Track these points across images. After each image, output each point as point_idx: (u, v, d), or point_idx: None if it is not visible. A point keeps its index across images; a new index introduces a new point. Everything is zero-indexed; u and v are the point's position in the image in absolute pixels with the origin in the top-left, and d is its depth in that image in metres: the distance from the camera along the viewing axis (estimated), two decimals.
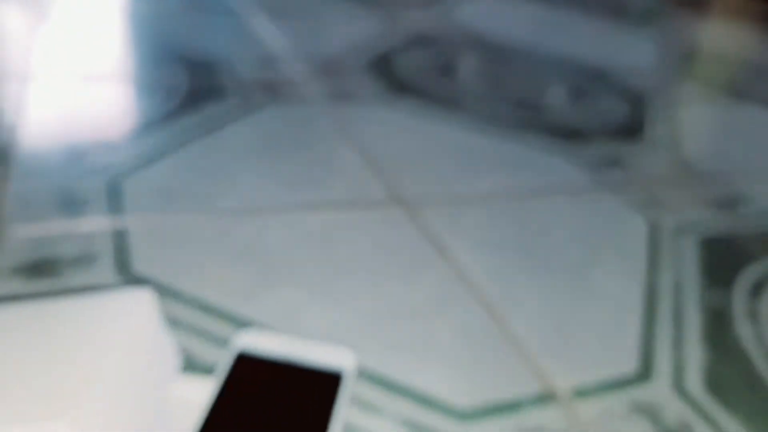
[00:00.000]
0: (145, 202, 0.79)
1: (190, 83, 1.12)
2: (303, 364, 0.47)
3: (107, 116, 0.98)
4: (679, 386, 0.62)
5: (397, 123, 1.08)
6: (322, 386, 0.46)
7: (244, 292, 0.66)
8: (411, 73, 1.28)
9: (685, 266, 0.80)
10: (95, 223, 0.74)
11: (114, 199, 0.79)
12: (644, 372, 0.63)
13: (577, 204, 0.91)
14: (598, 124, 1.16)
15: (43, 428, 0.34)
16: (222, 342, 0.60)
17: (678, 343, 0.67)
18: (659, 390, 0.61)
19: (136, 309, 0.43)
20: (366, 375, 0.58)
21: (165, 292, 0.65)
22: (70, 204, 0.77)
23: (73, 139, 0.91)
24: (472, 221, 0.83)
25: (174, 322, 0.61)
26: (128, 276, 0.67)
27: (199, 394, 0.45)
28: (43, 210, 0.75)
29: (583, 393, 0.59)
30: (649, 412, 0.58)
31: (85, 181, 0.81)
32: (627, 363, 0.64)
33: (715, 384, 0.63)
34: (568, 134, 1.11)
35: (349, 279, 0.70)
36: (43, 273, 0.65)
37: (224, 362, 0.47)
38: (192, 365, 0.56)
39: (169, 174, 0.85)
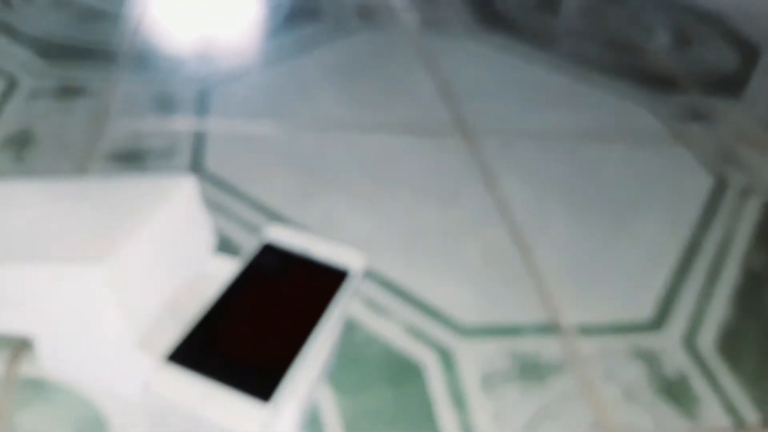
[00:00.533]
0: (228, 110, 0.88)
1: (291, 4, 1.18)
2: (317, 260, 0.54)
3: (209, 30, 1.07)
4: (688, 340, 0.63)
5: (482, 56, 1.09)
6: (328, 280, 0.53)
7: (295, 198, 0.74)
8: (509, 7, 1.27)
9: (740, 226, 0.78)
10: (181, 124, 0.83)
11: (202, 104, 0.88)
12: (657, 321, 0.64)
13: (642, 152, 0.89)
14: (696, 73, 1.11)
15: (84, 267, 0.43)
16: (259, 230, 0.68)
17: (704, 298, 0.67)
18: (667, 340, 0.63)
19: (179, 191, 0.51)
20: (383, 281, 0.64)
21: (226, 188, 0.74)
22: (165, 105, 0.87)
23: (177, 48, 1.01)
24: (528, 156, 0.85)
25: (227, 214, 0.70)
26: (199, 171, 0.76)
27: (226, 272, 0.53)
28: (142, 107, 0.86)
29: (587, 330, 0.62)
30: (648, 358, 0.61)
31: (181, 87, 0.91)
32: (642, 310, 0.65)
33: (728, 344, 0.63)
34: (658, 81, 1.07)
35: (393, 195, 0.76)
36: (132, 161, 0.76)
37: (251, 249, 0.54)
38: (234, 251, 0.65)
39: (254, 87, 0.93)
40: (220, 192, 0.73)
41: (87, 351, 0.50)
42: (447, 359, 0.58)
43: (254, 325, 0.48)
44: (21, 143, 0.76)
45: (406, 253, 0.68)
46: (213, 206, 0.71)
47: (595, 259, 0.71)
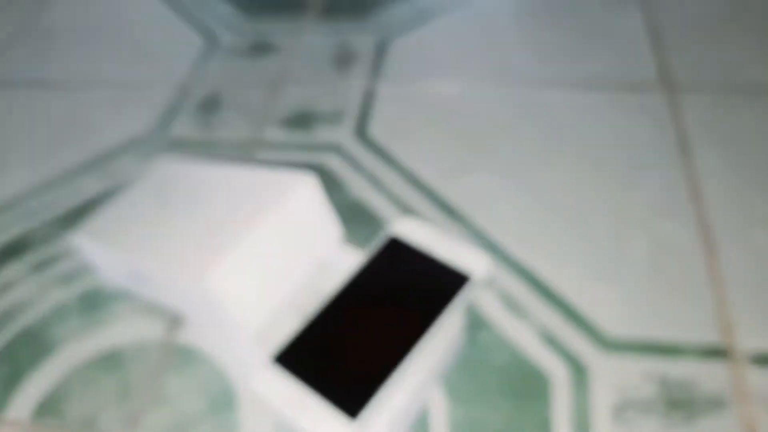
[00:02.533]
0: (403, 64, 0.85)
1: None
2: (441, 260, 0.52)
3: None
4: None
5: None
6: (448, 283, 0.50)
7: (451, 170, 0.70)
8: None
9: None
10: (353, 83, 0.84)
11: (378, 58, 0.87)
12: None
13: None
14: None
15: (197, 275, 0.47)
16: (407, 209, 0.66)
17: None
18: None
19: (296, 192, 0.51)
20: (528, 275, 0.59)
21: (384, 157, 0.73)
22: (342, 60, 0.87)
23: None
24: (741, 123, 0.71)
25: (379, 187, 0.69)
26: (363, 138, 0.76)
27: (349, 266, 0.54)
28: (319, 64, 0.87)
29: (765, 361, 0.52)
30: None
31: (361, 38, 0.90)
32: None
33: None
34: None
35: (561, 168, 0.68)
36: (300, 125, 0.79)
37: (377, 242, 0.54)
38: (378, 226, 0.65)
39: (435, 37, 0.89)
40: (378, 161, 0.73)
41: (221, 335, 0.55)
42: (580, 376, 0.52)
43: (362, 329, 0.48)
44: (210, 108, 0.83)
45: (561, 242, 0.62)
46: (367, 178, 0.71)
47: None
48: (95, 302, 0.64)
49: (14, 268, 0.69)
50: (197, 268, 0.48)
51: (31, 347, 0.61)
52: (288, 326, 0.51)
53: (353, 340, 0.47)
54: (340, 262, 0.54)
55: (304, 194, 0.52)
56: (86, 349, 0.61)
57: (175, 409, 0.55)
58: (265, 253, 0.50)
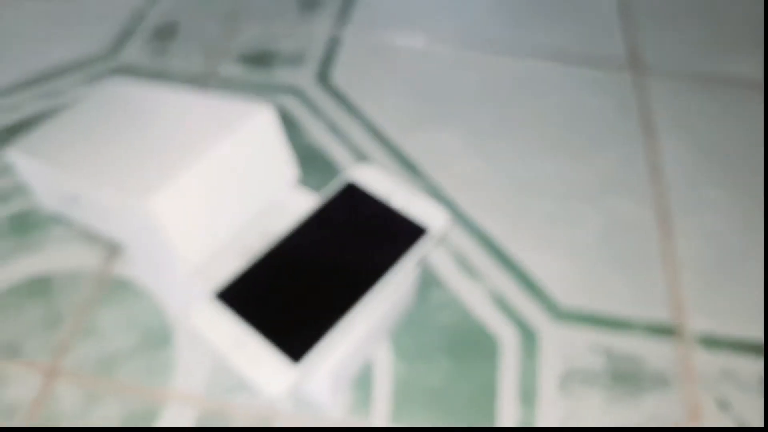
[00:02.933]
0: (371, 15, 0.82)
1: None
2: (398, 210, 0.49)
3: None
4: None
5: None
6: (404, 235, 0.48)
7: (411, 124, 0.68)
8: None
9: None
10: (318, 27, 0.79)
11: (345, 7, 0.83)
12: None
13: None
14: None
15: (140, 199, 0.43)
16: (365, 159, 0.64)
17: None
18: None
19: (252, 121, 0.48)
20: (483, 237, 0.58)
21: (345, 105, 0.70)
22: (309, 2, 0.83)
23: None
24: (706, 109, 0.70)
25: (339, 135, 0.66)
26: (324, 84, 0.72)
27: (302, 208, 0.50)
28: (283, 7, 0.83)
29: (712, 342, 0.52)
30: None
31: None
32: None
33: None
34: None
35: (522, 135, 0.67)
36: (259, 63, 0.74)
37: (333, 186, 0.51)
38: (335, 174, 0.62)
39: None
40: (338, 108, 0.69)
41: (160, 267, 0.51)
42: (530, 342, 0.51)
43: (311, 273, 0.45)
44: (165, 36, 0.78)
45: (516, 209, 0.61)
46: (326, 124, 0.68)
47: (748, 259, 0.58)
48: (27, 225, 0.59)
49: None
50: (139, 190, 0.44)
51: None
52: (232, 264, 0.47)
53: (300, 283, 0.44)
54: (293, 203, 0.51)
55: (260, 123, 0.48)
56: (14, 273, 0.56)
57: (105, 342, 0.51)
58: (213, 181, 0.46)
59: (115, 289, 0.55)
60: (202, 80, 0.72)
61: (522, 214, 0.60)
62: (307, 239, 0.47)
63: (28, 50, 0.75)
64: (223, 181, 0.46)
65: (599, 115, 0.70)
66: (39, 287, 0.55)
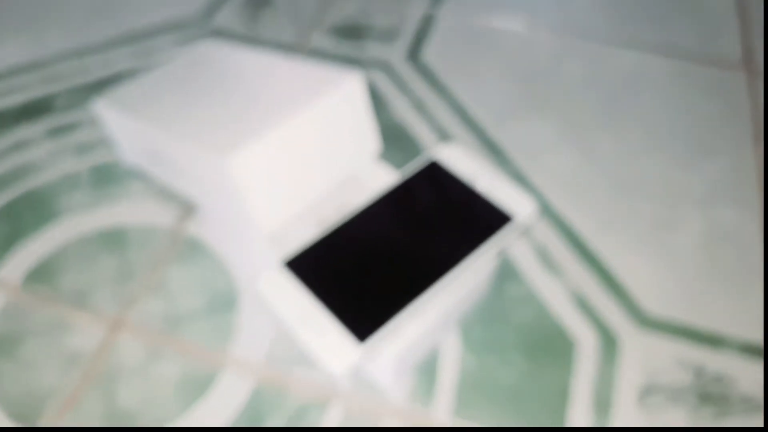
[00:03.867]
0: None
1: None
2: (481, 194, 0.45)
3: None
4: None
5: None
6: (486, 221, 0.44)
7: (503, 112, 0.64)
8: None
9: None
10: (414, 3, 0.76)
11: None
12: None
13: None
14: None
15: (218, 157, 0.41)
16: (450, 140, 0.60)
17: None
18: None
19: (339, 89, 0.45)
20: (569, 233, 0.53)
21: (435, 84, 0.66)
22: None
23: None
24: None
25: (424, 113, 0.63)
26: (414, 61, 0.69)
27: (382, 184, 0.48)
28: None
29: None
30: None
31: None
32: None
33: None
34: None
35: (622, 132, 0.61)
36: (350, 37, 0.72)
37: (416, 163, 0.47)
38: (418, 151, 0.58)
39: None
40: (427, 87, 0.66)
41: (234, 229, 0.49)
42: (610, 348, 0.47)
43: (385, 251, 0.42)
44: (259, 3, 0.76)
45: (609, 207, 0.56)
46: (413, 102, 0.64)
47: None
48: (107, 178, 0.59)
49: (31, 129, 0.64)
50: (220, 146, 0.42)
51: (35, 211, 0.56)
52: (306, 235, 0.45)
53: (373, 260, 0.41)
54: (373, 178, 0.48)
55: (350, 90, 0.45)
56: (91, 223, 0.56)
57: (172, 300, 0.50)
58: (296, 146, 0.44)
59: (187, 249, 0.53)
60: (293, 49, 0.70)
61: (615, 213, 0.55)
62: (384, 216, 0.44)
63: (125, 10, 0.76)
64: (306, 147, 0.44)
65: (708, 116, 0.63)
66: (113, 239, 0.54)
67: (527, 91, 0.65)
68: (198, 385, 0.45)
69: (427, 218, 0.44)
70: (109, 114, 0.56)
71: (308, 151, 0.44)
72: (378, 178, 0.48)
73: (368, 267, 0.41)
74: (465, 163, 0.47)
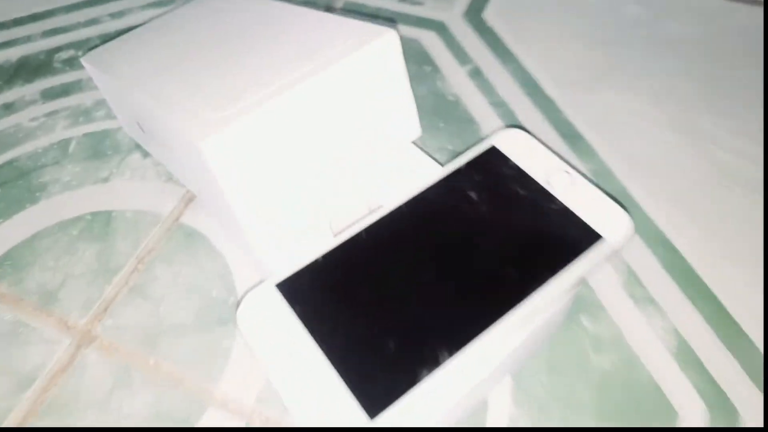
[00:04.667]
0: None
1: None
2: (559, 199, 0.32)
3: None
4: None
5: None
6: (564, 236, 0.31)
7: (577, 82, 0.49)
8: None
9: None
10: None
11: None
12: None
13: None
14: None
15: (194, 139, 0.29)
16: (513, 118, 0.46)
17: None
18: None
19: (374, 45, 0.32)
20: (669, 254, 0.39)
21: (496, 48, 0.52)
22: None
23: None
24: None
25: (482, 84, 0.49)
26: (474, 20, 0.55)
27: (419, 178, 0.35)
28: None
29: None
30: None
31: None
32: None
33: None
34: None
35: (747, 109, 0.46)
36: None
37: (470, 153, 0.35)
38: (474, 131, 0.45)
39: None
40: (487, 51, 0.52)
41: (229, 229, 0.38)
42: (727, 418, 0.33)
43: (419, 275, 0.29)
44: None
45: (723, 213, 0.41)
46: (470, 70, 0.51)
47: None
48: (103, 149, 0.48)
49: (25, 88, 0.53)
50: (195, 126, 0.30)
51: (13, 186, 0.46)
52: (313, 246, 0.33)
53: (402, 289, 0.29)
54: (409, 169, 0.36)
55: (378, 51, 0.32)
56: (73, 204, 0.45)
57: (154, 309, 0.39)
58: (300, 125, 0.31)
59: (182, 244, 0.42)
60: (331, 2, 0.57)
61: (731, 221, 0.41)
62: (421, 224, 0.31)
63: None
64: (315, 126, 0.32)
65: None
66: (95, 226, 0.44)
67: (615, 56, 0.51)
68: (172, 424, 0.34)
69: (481, 230, 0.31)
70: (95, 73, 0.45)
71: (319, 131, 0.32)
72: (416, 171, 0.35)
73: (394, 300, 0.29)
74: (535, 154, 0.34)
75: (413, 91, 0.49)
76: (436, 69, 0.51)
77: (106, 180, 0.46)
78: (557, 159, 0.33)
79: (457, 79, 0.50)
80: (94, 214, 0.44)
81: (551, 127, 0.46)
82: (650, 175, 0.43)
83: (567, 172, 0.33)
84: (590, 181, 0.41)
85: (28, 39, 0.59)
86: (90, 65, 0.44)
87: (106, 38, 0.57)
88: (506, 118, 0.47)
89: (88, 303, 0.40)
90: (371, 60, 0.32)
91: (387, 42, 0.32)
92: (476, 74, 0.50)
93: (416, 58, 0.52)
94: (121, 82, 0.39)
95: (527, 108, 0.48)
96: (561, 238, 0.30)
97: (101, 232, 0.43)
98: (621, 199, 0.42)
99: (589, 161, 0.44)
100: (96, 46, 0.57)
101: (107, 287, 0.40)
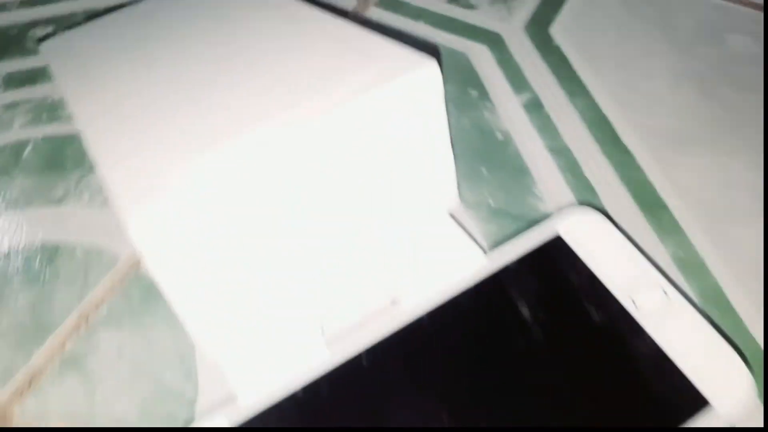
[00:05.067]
0: None
1: None
2: (646, 328, 0.22)
3: None
4: None
5: None
6: (653, 392, 0.21)
7: (682, 135, 0.38)
8: None
9: None
10: None
11: None
12: None
13: None
14: None
15: (137, 196, 0.19)
16: (585, 181, 0.35)
17: None
18: None
19: (403, 81, 0.22)
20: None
21: (564, 72, 0.41)
22: None
23: None
24: None
25: (543, 117, 0.38)
26: (538, 35, 0.44)
27: (460, 262, 0.24)
28: None
29: None
30: None
31: None
32: None
33: None
34: None
35: None
36: None
37: (528, 237, 0.24)
38: (533, 195, 0.34)
39: None
40: (552, 76, 0.41)
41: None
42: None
43: (450, 422, 0.20)
44: None
45: None
46: (529, 97, 0.40)
47: None
48: (62, 157, 0.39)
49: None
50: (141, 184, 0.20)
51: None
52: (296, 360, 0.23)
53: None
54: (440, 256, 0.25)
55: (409, 88, 0.22)
56: (21, 231, 0.36)
57: (88, 389, 0.30)
58: (289, 178, 0.21)
59: (138, 302, 0.33)
60: (377, 4, 0.47)
61: None
62: (452, 346, 0.22)
63: None
64: (310, 188, 0.21)
65: None
66: (38, 262, 0.34)
67: (713, 102, 0.39)
68: None
69: (533, 369, 0.21)
70: (53, 66, 0.35)
71: (314, 194, 0.22)
72: (447, 259, 0.25)
73: None
74: (617, 252, 0.24)
75: (452, 119, 0.38)
76: (484, 94, 0.40)
77: (59, 201, 0.37)
78: (649, 266, 0.23)
79: (509, 111, 0.39)
80: (37, 249, 0.35)
81: (640, 201, 0.35)
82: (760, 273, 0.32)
83: (663, 291, 0.23)
84: (696, 306, 0.29)
85: (3, 7, 0.49)
86: (49, 55, 0.35)
87: (93, 14, 0.47)
88: (568, 170, 0.36)
89: (8, 371, 0.30)
90: (397, 100, 0.22)
91: (424, 77, 0.22)
92: (535, 106, 0.40)
93: (461, 77, 0.41)
94: (71, 95, 0.30)
95: (597, 160, 0.37)
96: (647, 397, 0.20)
97: (41, 273, 0.34)
98: (728, 315, 0.31)
99: (678, 247, 0.33)
100: (79, 23, 0.47)
101: (37, 351, 0.31)
